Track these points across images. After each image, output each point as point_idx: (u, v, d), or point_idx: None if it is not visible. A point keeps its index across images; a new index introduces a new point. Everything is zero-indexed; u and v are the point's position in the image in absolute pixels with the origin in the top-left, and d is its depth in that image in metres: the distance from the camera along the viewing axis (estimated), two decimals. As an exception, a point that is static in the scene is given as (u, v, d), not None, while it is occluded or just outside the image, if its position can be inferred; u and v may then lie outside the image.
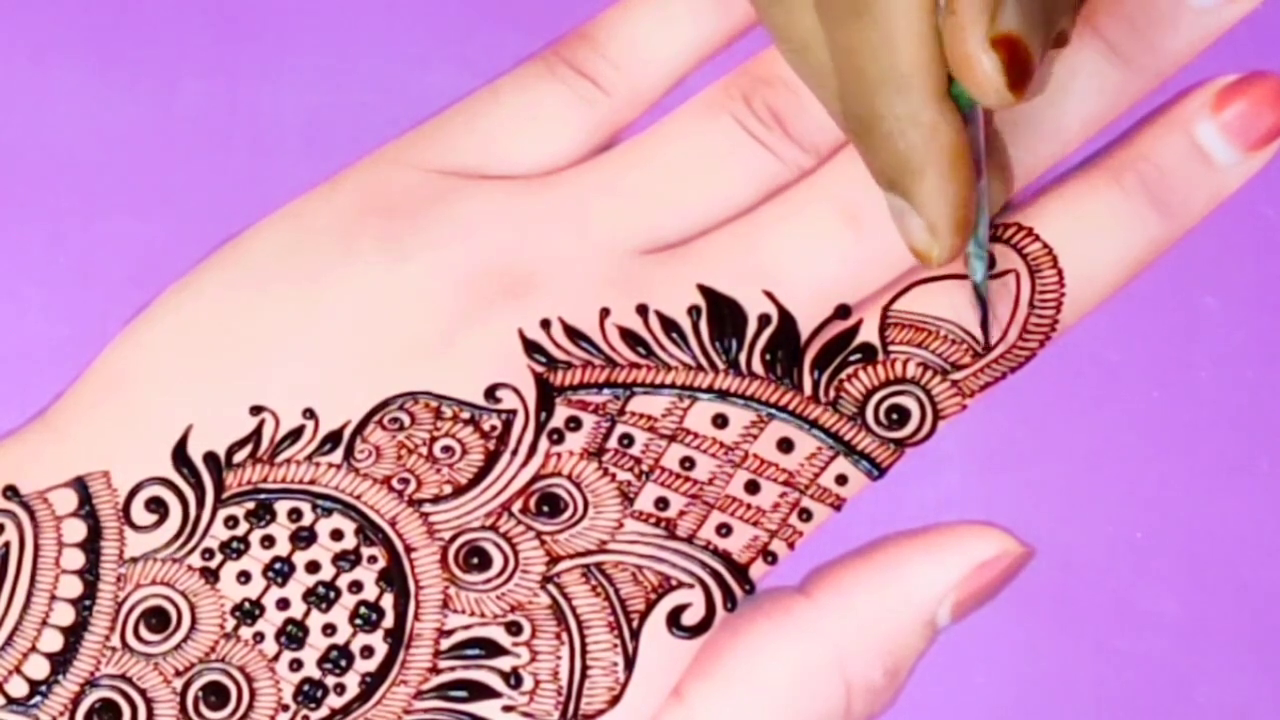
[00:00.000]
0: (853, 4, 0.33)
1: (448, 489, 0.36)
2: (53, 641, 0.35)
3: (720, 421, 0.37)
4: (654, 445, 0.36)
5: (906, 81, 0.33)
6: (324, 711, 0.35)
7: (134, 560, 0.35)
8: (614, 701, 0.35)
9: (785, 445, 0.37)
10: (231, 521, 0.36)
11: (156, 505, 0.36)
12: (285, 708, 0.35)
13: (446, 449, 0.36)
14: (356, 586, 0.35)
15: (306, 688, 0.35)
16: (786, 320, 0.37)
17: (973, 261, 0.37)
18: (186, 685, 0.35)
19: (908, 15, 0.33)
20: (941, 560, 0.36)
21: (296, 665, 0.35)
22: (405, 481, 0.36)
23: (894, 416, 0.37)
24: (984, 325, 0.37)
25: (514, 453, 0.36)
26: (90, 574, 0.35)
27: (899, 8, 0.33)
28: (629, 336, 0.37)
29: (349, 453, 0.36)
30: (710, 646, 0.35)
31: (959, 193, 0.35)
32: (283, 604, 0.35)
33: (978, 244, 0.36)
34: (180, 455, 0.36)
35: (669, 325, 0.37)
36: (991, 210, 0.37)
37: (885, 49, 0.33)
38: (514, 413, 0.36)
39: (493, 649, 0.35)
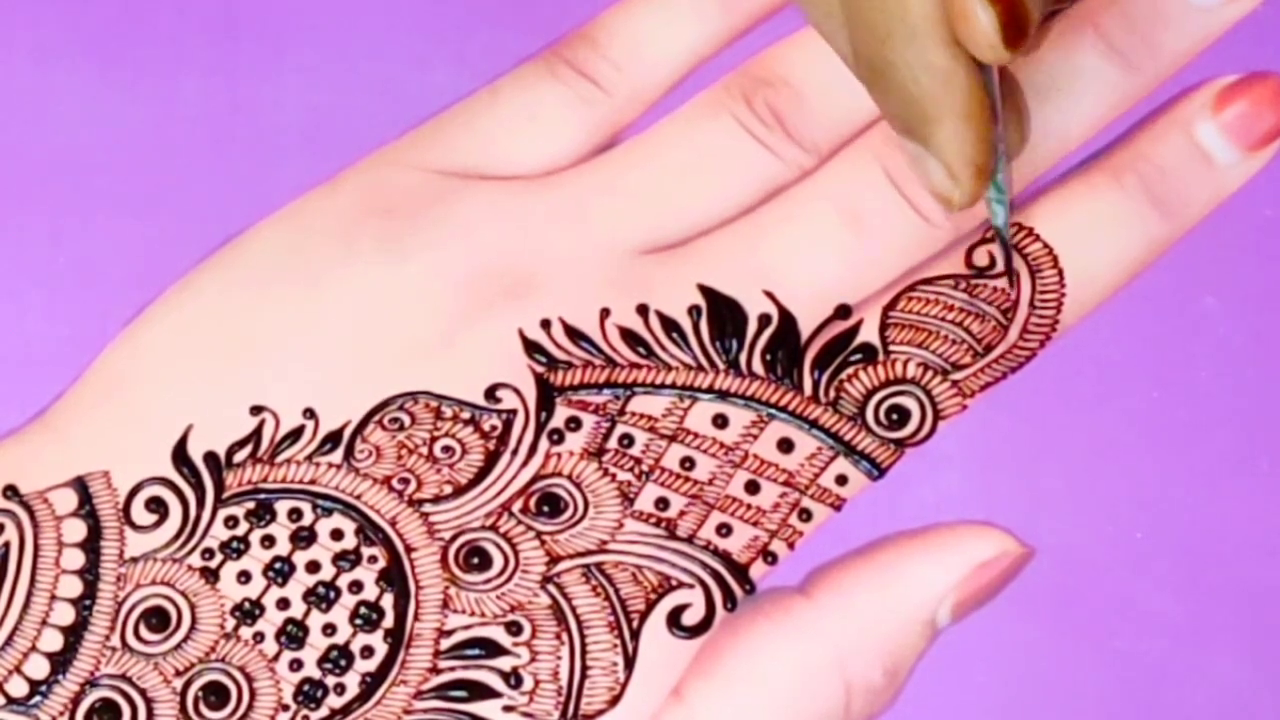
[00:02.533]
0: None
1: (448, 489, 0.36)
2: (53, 641, 0.35)
3: (720, 421, 0.37)
4: (654, 445, 0.36)
5: (917, 30, 0.33)
6: (324, 711, 0.35)
7: (134, 560, 0.35)
8: (614, 701, 0.35)
9: (785, 445, 0.37)
10: (231, 521, 0.36)
11: (157, 505, 0.36)
12: (285, 708, 0.35)
13: (446, 449, 0.36)
14: (356, 586, 0.35)
15: (306, 688, 0.35)
16: (787, 320, 0.37)
17: (993, 206, 0.36)
18: (186, 685, 0.35)
19: None
20: (941, 560, 0.36)
21: (296, 665, 0.35)
22: (405, 481, 0.36)
23: (894, 417, 0.37)
24: (1007, 269, 0.37)
25: (514, 453, 0.36)
26: (90, 574, 0.35)
27: None
28: (629, 336, 0.37)
29: (349, 453, 0.36)
30: (710, 646, 0.35)
31: (977, 137, 0.34)
32: (283, 604, 0.35)
33: (997, 188, 0.36)
34: (180, 455, 0.36)
35: (669, 325, 0.37)
36: (1010, 155, 0.36)
37: (895, 1, 0.33)
38: (514, 413, 0.36)
39: (493, 649, 0.35)
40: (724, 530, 0.36)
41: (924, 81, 0.33)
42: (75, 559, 0.35)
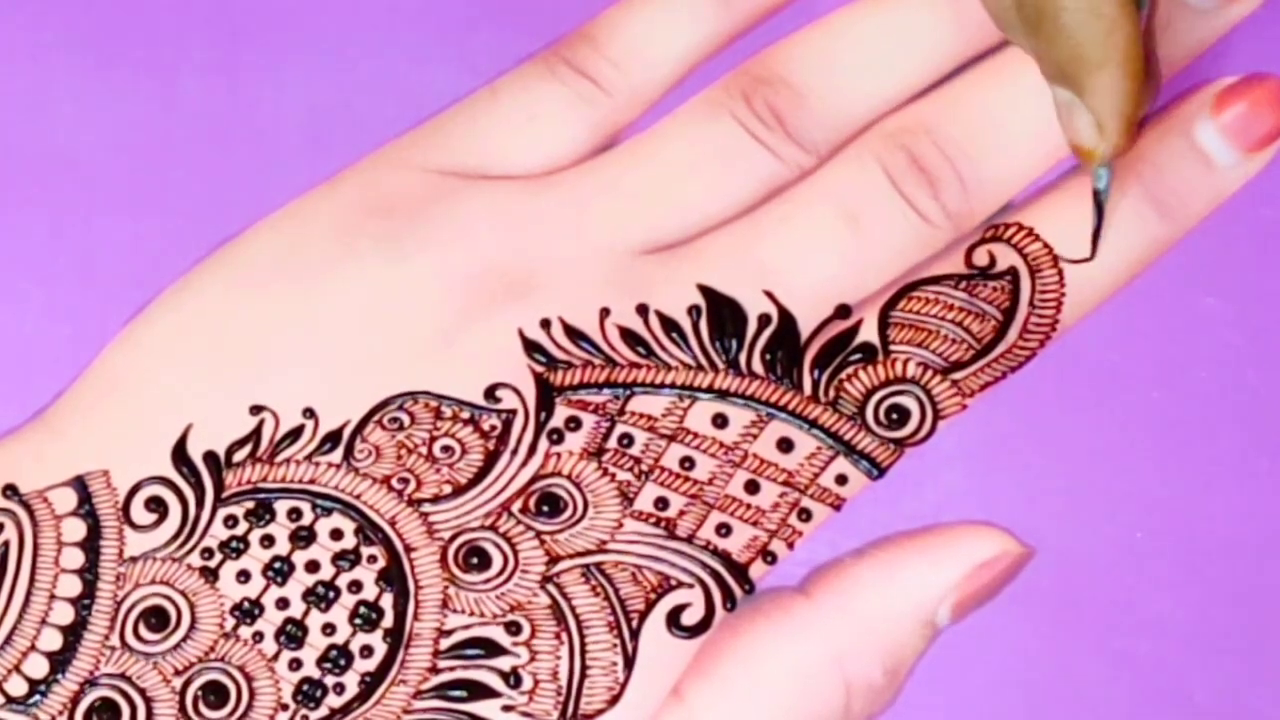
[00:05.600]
0: None
1: (447, 489, 0.36)
2: (52, 640, 0.35)
3: (720, 421, 0.37)
4: (654, 445, 0.36)
5: None
6: (323, 711, 0.35)
7: (133, 559, 0.35)
8: (613, 701, 0.35)
9: (785, 445, 0.37)
10: (231, 521, 0.36)
11: (156, 504, 0.36)
12: (284, 707, 0.35)
13: (446, 449, 0.36)
14: (356, 586, 0.35)
15: (306, 687, 0.35)
16: (786, 320, 0.37)
17: (1098, 170, 0.36)
18: (186, 684, 0.35)
19: None
20: (941, 560, 0.36)
21: (296, 665, 0.35)
22: (405, 481, 0.36)
23: (894, 416, 0.37)
24: (1096, 235, 0.37)
25: (514, 452, 0.36)
26: (90, 573, 0.35)
27: None
28: (629, 336, 0.37)
29: (349, 452, 0.36)
30: (710, 646, 0.35)
31: (1131, 88, 0.34)
32: (282, 603, 0.35)
33: None
34: (180, 454, 0.36)
35: (669, 325, 0.37)
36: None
37: None
38: (514, 412, 0.36)
39: (492, 649, 0.35)
40: (723, 530, 0.36)
41: (1091, 27, 0.33)
42: (75, 558, 0.35)
